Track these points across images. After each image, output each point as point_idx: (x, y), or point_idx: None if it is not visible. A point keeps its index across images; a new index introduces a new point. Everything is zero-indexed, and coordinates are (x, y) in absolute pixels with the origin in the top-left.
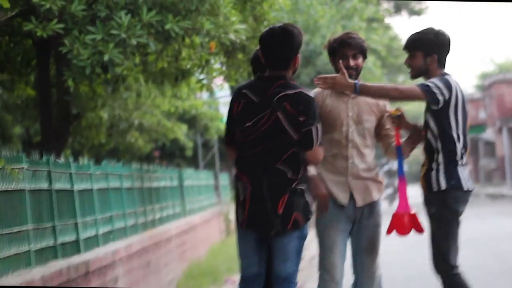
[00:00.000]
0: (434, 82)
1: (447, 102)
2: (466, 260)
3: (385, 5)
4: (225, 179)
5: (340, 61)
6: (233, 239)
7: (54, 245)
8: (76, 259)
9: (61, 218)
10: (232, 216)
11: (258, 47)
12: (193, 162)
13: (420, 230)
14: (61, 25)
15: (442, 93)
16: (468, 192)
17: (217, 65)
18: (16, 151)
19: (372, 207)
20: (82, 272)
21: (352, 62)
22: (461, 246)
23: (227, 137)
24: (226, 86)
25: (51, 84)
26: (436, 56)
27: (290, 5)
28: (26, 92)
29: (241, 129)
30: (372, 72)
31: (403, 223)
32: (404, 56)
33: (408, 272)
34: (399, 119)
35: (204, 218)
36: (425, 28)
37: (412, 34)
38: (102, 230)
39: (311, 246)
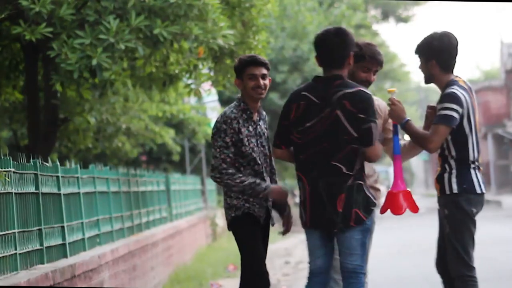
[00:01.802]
0: (448, 107)
1: (461, 116)
2: None
3: (373, 12)
4: (212, 184)
5: (393, 94)
6: (219, 243)
7: (40, 249)
8: (62, 262)
9: (47, 222)
10: (219, 220)
11: (242, 55)
12: (180, 167)
13: (414, 209)
14: (50, 29)
15: (457, 112)
16: (482, 194)
17: (205, 70)
18: (3, 154)
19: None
20: (68, 276)
21: (372, 78)
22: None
23: (277, 139)
24: (214, 91)
25: (39, 88)
26: (435, 61)
27: (279, 11)
28: (14, 95)
29: (300, 130)
30: None
31: (398, 202)
32: (390, 63)
33: (394, 276)
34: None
35: (191, 223)
36: (433, 32)
37: (421, 40)
38: (89, 234)
39: (296, 251)
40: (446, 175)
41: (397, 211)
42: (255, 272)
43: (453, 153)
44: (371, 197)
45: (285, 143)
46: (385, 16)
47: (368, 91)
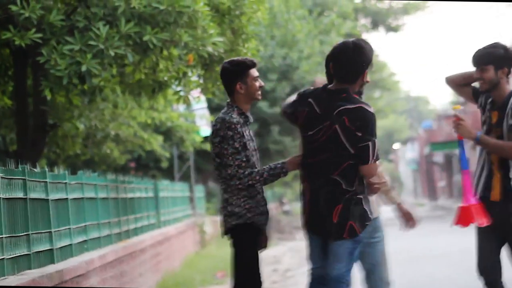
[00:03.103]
0: None
1: None
2: (440, 276)
3: (363, 21)
4: (200, 191)
5: (458, 111)
6: (207, 250)
7: (28, 254)
8: (50, 268)
9: (35, 227)
10: (207, 227)
11: (231, 59)
12: (168, 173)
13: (487, 221)
14: (39, 35)
15: None
16: None
17: (194, 78)
18: None
19: (377, 220)
20: (56, 281)
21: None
22: (436, 262)
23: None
24: (203, 98)
25: (28, 93)
26: (507, 70)
27: (268, 19)
28: (3, 101)
29: (304, 137)
30: None
31: (471, 215)
32: (380, 72)
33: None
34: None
35: (179, 230)
36: (493, 42)
37: (482, 49)
38: (77, 240)
39: (284, 259)
40: None
41: (468, 224)
42: (249, 285)
43: None
44: (368, 212)
45: (287, 114)
46: (375, 25)
47: (369, 108)
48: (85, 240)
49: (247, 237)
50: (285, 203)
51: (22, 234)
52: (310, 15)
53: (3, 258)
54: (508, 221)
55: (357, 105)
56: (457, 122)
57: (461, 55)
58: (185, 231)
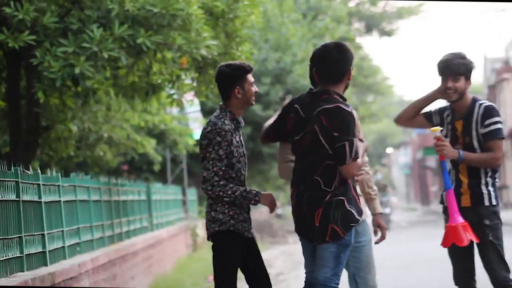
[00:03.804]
0: (498, 121)
1: None
2: (432, 280)
3: (356, 25)
4: (193, 194)
5: (437, 133)
6: (199, 254)
7: (20, 256)
8: (42, 270)
9: (28, 230)
10: (199, 231)
11: (228, 62)
12: (161, 176)
13: (476, 239)
14: (33, 37)
15: (502, 124)
16: None
17: (188, 81)
18: None
19: (364, 224)
20: (48, 283)
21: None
22: (428, 266)
23: (265, 132)
24: (197, 101)
25: (21, 95)
26: (469, 80)
27: (262, 23)
28: None
29: (292, 144)
30: None
31: (459, 234)
32: (373, 76)
33: None
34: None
35: (171, 233)
36: (459, 52)
37: (450, 59)
38: (69, 242)
39: (276, 263)
40: (483, 188)
41: (459, 243)
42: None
43: (488, 168)
44: (353, 213)
45: (271, 135)
46: (368, 29)
47: (347, 108)
48: (78, 243)
49: (229, 244)
50: (277, 207)
51: (15, 236)
52: (304, 19)
53: None
54: (481, 223)
55: (334, 105)
56: (440, 143)
57: None
58: (178, 234)
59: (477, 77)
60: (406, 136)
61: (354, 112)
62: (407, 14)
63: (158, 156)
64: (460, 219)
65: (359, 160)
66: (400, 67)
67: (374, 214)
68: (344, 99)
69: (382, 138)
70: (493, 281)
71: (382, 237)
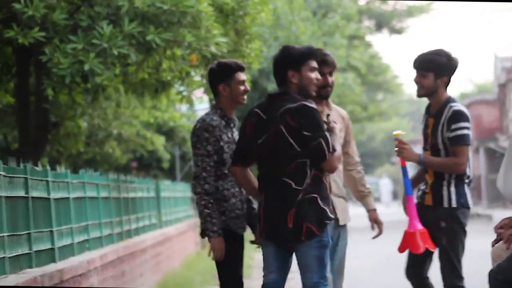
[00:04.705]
0: (465, 126)
1: None
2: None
3: (366, 23)
4: None
5: (400, 136)
6: (208, 251)
7: (29, 253)
8: (50, 267)
9: (37, 226)
10: None
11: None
12: (170, 174)
13: (432, 247)
14: (43, 33)
15: (470, 130)
16: (470, 209)
17: (197, 78)
18: None
19: (345, 228)
20: (57, 280)
21: (329, 80)
22: (437, 267)
23: (234, 155)
24: (206, 98)
25: (30, 92)
26: (446, 79)
27: (272, 20)
28: (5, 99)
29: (255, 147)
30: (351, 89)
31: (416, 241)
32: (383, 74)
33: None
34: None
35: (180, 230)
36: (437, 49)
37: (424, 54)
38: (78, 239)
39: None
40: (444, 188)
41: (415, 250)
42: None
43: None
44: (326, 211)
45: (240, 160)
46: (378, 27)
47: (311, 104)
48: (87, 240)
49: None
50: None
51: (23, 232)
52: (314, 16)
53: (4, 256)
54: (437, 225)
55: (298, 103)
56: (401, 146)
57: (466, 58)
58: (186, 231)
59: (488, 76)
60: (416, 134)
61: (344, 112)
62: (417, 12)
63: (167, 154)
64: (419, 226)
65: (337, 152)
66: (410, 65)
67: (369, 210)
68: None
69: (392, 136)
70: (443, 285)
71: (380, 232)
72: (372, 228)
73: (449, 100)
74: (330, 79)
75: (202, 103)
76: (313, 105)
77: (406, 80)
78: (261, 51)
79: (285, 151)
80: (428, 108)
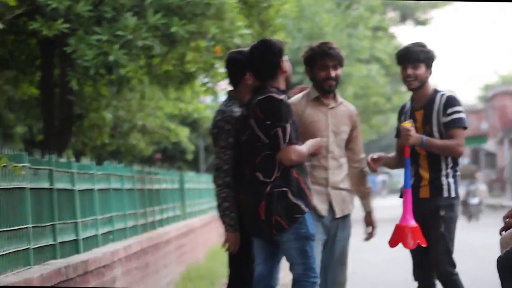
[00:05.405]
0: (461, 110)
1: None
2: (467, 272)
3: (391, 14)
4: None
5: (408, 126)
6: None
7: (53, 244)
8: (75, 258)
9: (61, 218)
10: None
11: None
12: (194, 165)
13: (424, 242)
14: (67, 25)
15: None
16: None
17: (221, 69)
18: (18, 149)
19: (345, 219)
20: (81, 272)
21: (333, 73)
22: (463, 258)
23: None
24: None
25: (54, 83)
26: (431, 70)
27: (296, 12)
28: (30, 91)
29: (241, 145)
30: (375, 81)
31: (405, 236)
32: None
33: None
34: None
35: (204, 221)
36: (419, 42)
37: (409, 47)
38: (102, 230)
39: None
40: (443, 179)
41: (405, 245)
42: (243, 277)
43: (449, 159)
44: (298, 205)
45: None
46: (403, 19)
47: (278, 96)
48: (111, 231)
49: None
50: None
51: (48, 224)
52: (338, 8)
53: (29, 247)
54: (436, 214)
55: (265, 95)
56: (406, 133)
57: (490, 49)
58: (210, 223)
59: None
60: None
61: (352, 107)
62: (442, 4)
63: (191, 145)
64: (412, 222)
65: (303, 147)
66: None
67: (365, 212)
68: (284, 92)
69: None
70: (436, 272)
71: (370, 235)
72: (366, 230)
73: (437, 90)
74: (333, 72)
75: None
76: (280, 97)
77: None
78: (285, 42)
79: (254, 143)
80: (412, 103)
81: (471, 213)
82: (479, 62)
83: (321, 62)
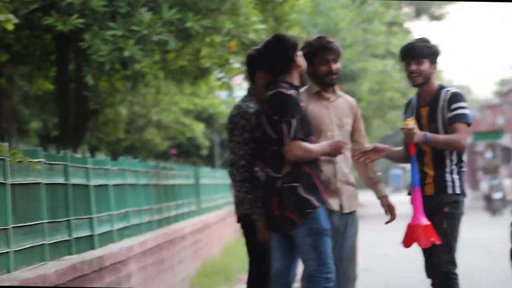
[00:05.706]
0: (465, 106)
1: None
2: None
3: (406, 10)
4: None
5: (411, 124)
6: None
7: (68, 240)
8: (90, 254)
9: (76, 213)
10: None
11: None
12: (209, 161)
13: (438, 239)
14: (82, 20)
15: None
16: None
17: (236, 65)
18: (33, 145)
19: (353, 215)
20: (96, 267)
21: (334, 67)
22: (482, 253)
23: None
24: (245, 85)
25: (70, 79)
26: (435, 66)
27: (311, 7)
28: (45, 86)
29: (256, 140)
30: (391, 76)
31: (418, 235)
32: None
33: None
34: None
35: (219, 217)
36: (423, 37)
37: (412, 43)
38: (117, 226)
39: None
40: (447, 175)
41: (420, 245)
42: (263, 273)
43: (454, 156)
44: (309, 200)
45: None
46: (418, 14)
47: (287, 91)
48: (126, 226)
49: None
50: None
51: (63, 219)
52: (353, 3)
53: (43, 243)
54: (440, 211)
55: (274, 91)
56: (409, 132)
57: (505, 44)
58: (225, 218)
59: None
60: None
61: (352, 100)
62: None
63: (206, 141)
64: (423, 220)
65: (314, 145)
66: (449, 51)
67: (380, 197)
68: (296, 87)
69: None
70: (435, 268)
71: (393, 217)
72: (386, 213)
73: (442, 85)
74: (334, 66)
75: (241, 90)
76: (290, 92)
77: (445, 66)
78: (300, 38)
79: (265, 138)
80: (418, 99)
81: (495, 207)
82: (495, 57)
83: (321, 56)
